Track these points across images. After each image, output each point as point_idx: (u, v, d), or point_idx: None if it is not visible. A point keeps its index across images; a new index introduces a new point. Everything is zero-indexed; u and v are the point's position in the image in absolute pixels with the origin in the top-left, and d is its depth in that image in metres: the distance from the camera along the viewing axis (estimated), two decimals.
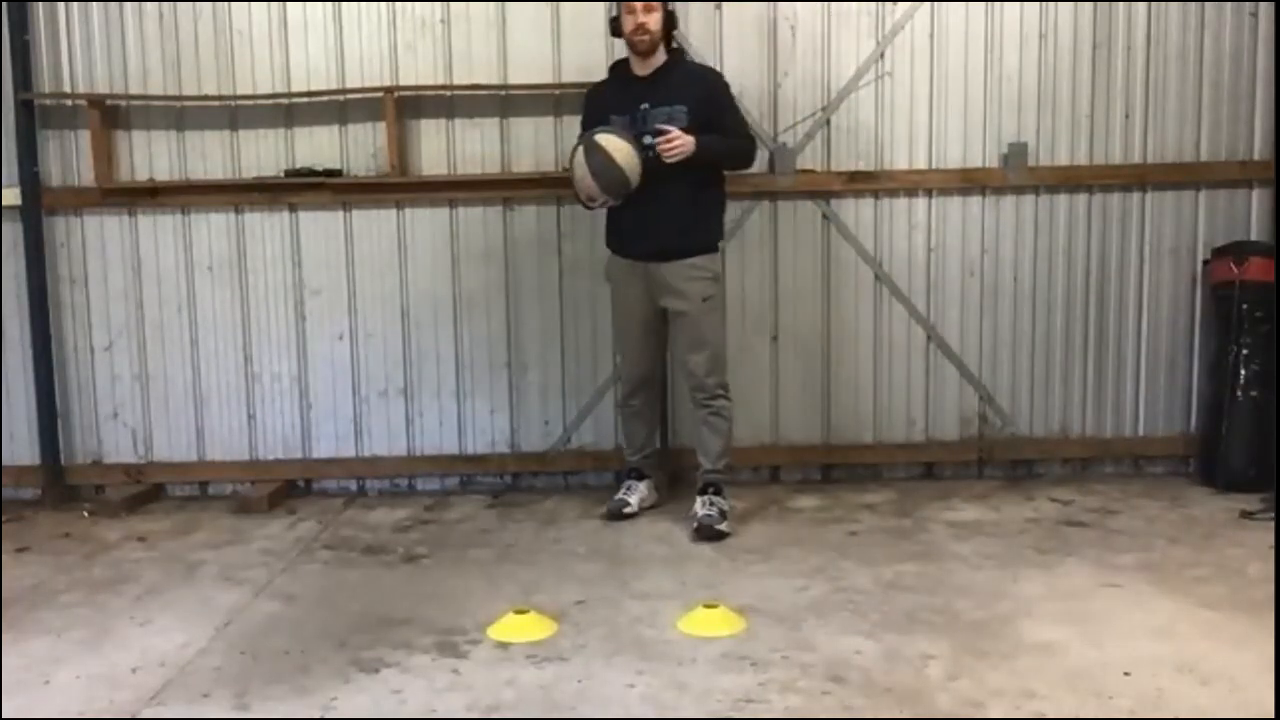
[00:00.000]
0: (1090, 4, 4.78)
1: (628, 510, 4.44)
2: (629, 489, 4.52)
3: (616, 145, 4.04)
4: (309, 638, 3.33)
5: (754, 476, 4.99)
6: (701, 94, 4.20)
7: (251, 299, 4.91)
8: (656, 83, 4.20)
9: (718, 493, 4.32)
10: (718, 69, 4.50)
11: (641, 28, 4.11)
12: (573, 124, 4.56)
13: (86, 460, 5.00)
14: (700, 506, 4.27)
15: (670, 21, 4.22)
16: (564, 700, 2.88)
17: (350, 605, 3.60)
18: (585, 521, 4.47)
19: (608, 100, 4.26)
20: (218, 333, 4.93)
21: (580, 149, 4.09)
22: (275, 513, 4.72)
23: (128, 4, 4.78)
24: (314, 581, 3.86)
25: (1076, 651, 3.10)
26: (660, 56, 4.21)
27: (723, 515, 4.25)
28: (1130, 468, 5.02)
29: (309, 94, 4.77)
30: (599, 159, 4.03)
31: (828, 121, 4.84)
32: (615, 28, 4.24)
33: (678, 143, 4.05)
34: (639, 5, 4.11)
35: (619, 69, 4.32)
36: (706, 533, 4.17)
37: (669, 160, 4.05)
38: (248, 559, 4.10)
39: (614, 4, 4.22)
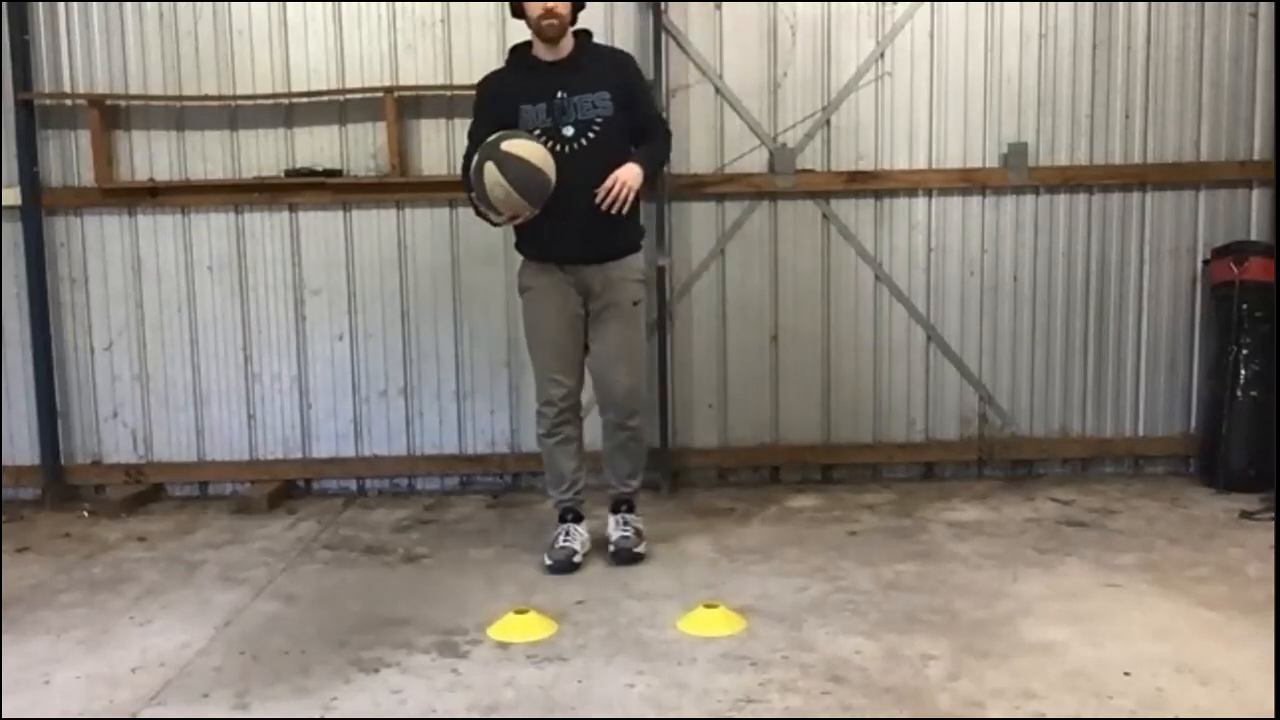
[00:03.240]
0: (1090, 4, 4.79)
1: (577, 560, 3.90)
2: (569, 535, 3.95)
3: (529, 149, 3.60)
4: (309, 638, 3.33)
5: (754, 476, 4.99)
6: (620, 79, 3.85)
7: (251, 299, 4.91)
8: (571, 69, 3.80)
9: (630, 510, 4.06)
10: (629, 52, 4.15)
11: (550, 12, 3.70)
12: None
13: (86, 460, 5.00)
14: (615, 528, 4.00)
15: (578, 4, 3.84)
16: (564, 700, 2.88)
17: (350, 605, 3.60)
18: (585, 521, 4.45)
19: (513, 89, 3.80)
20: (218, 333, 4.93)
21: (490, 164, 3.57)
22: (275, 513, 4.72)
23: (128, 4, 4.78)
24: (314, 581, 3.86)
25: (1076, 651, 3.10)
26: (569, 42, 3.83)
27: (639, 536, 4.00)
28: (1130, 468, 5.02)
29: (309, 94, 4.77)
30: (517, 168, 3.56)
31: (828, 121, 4.84)
32: (516, 10, 3.83)
33: (622, 191, 3.69)
34: None
35: (522, 55, 3.88)
36: (624, 556, 3.92)
37: (615, 211, 3.70)
38: (248, 559, 4.10)
39: None
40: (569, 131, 3.76)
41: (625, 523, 4.02)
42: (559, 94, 3.77)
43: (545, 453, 4.04)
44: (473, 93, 4.54)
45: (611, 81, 3.82)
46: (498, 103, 3.82)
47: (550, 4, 3.72)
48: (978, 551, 3.98)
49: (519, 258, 4.83)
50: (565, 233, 3.78)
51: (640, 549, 3.97)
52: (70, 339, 4.93)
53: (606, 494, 4.12)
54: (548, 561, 3.90)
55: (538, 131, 3.75)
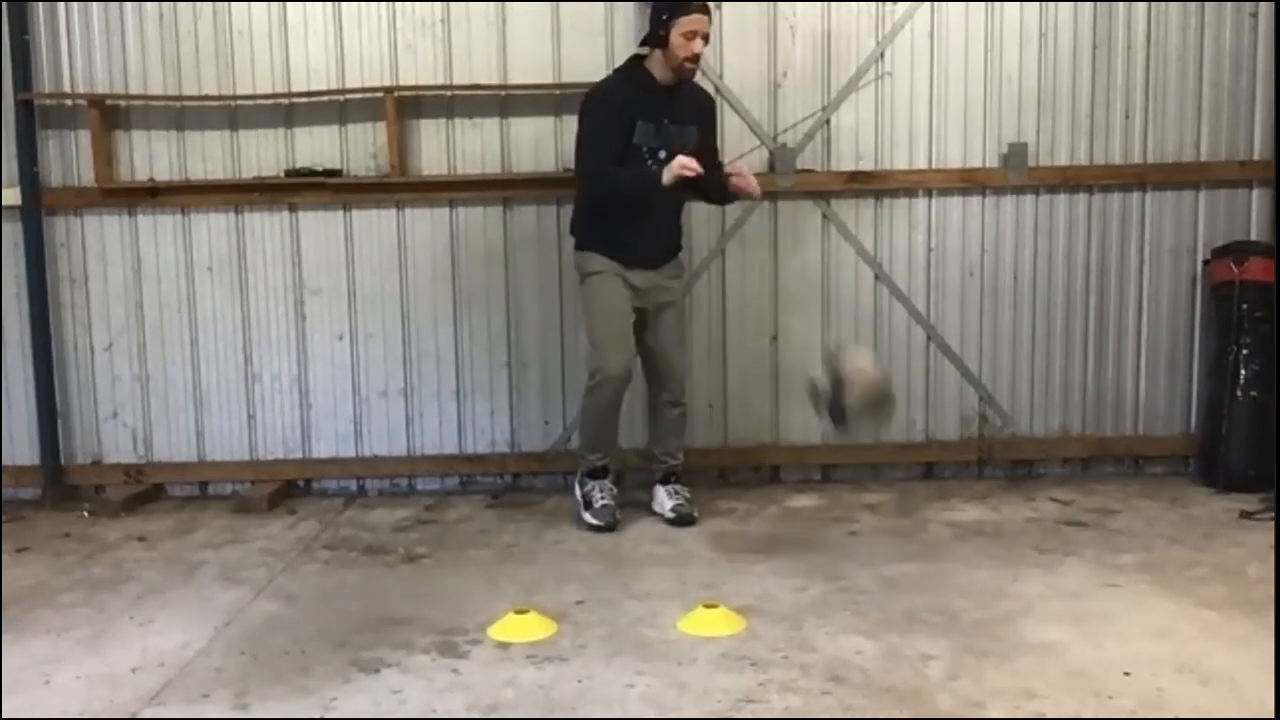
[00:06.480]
0: (1090, 4, 4.79)
1: (618, 516, 4.32)
2: (605, 490, 4.35)
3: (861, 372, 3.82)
4: (309, 638, 3.33)
5: (754, 476, 4.99)
6: (704, 116, 4.33)
7: (251, 299, 4.91)
8: (677, 99, 4.19)
9: (678, 480, 4.47)
10: (711, 94, 4.53)
11: (698, 57, 4.09)
12: (572, 123, 4.39)
13: (86, 460, 5.00)
14: (668, 497, 4.40)
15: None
16: (564, 700, 2.88)
17: (350, 605, 3.60)
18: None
19: (632, 104, 4.10)
20: (218, 333, 4.93)
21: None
22: (275, 513, 4.72)
23: (128, 4, 4.78)
24: (314, 581, 3.86)
25: (1076, 651, 3.10)
26: None
27: (689, 502, 4.41)
28: (1130, 468, 5.02)
29: (309, 94, 4.77)
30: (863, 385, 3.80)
31: (828, 121, 4.84)
32: (659, 39, 4.05)
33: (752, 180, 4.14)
34: (701, 33, 4.02)
35: (639, 75, 4.16)
36: (684, 520, 4.31)
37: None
38: (248, 559, 4.10)
39: (663, 15, 4.04)
40: (663, 155, 4.12)
41: (676, 491, 4.42)
42: (665, 119, 4.15)
43: (594, 420, 4.32)
44: (473, 92, 4.66)
45: (698, 118, 4.28)
46: (624, 112, 4.11)
47: (699, 49, 4.05)
48: (978, 551, 3.98)
49: (519, 259, 4.89)
50: (643, 239, 4.21)
51: (695, 513, 4.36)
52: (70, 339, 4.93)
53: (654, 468, 4.50)
54: (594, 521, 4.26)
55: (644, 149, 4.10)
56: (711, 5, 4.72)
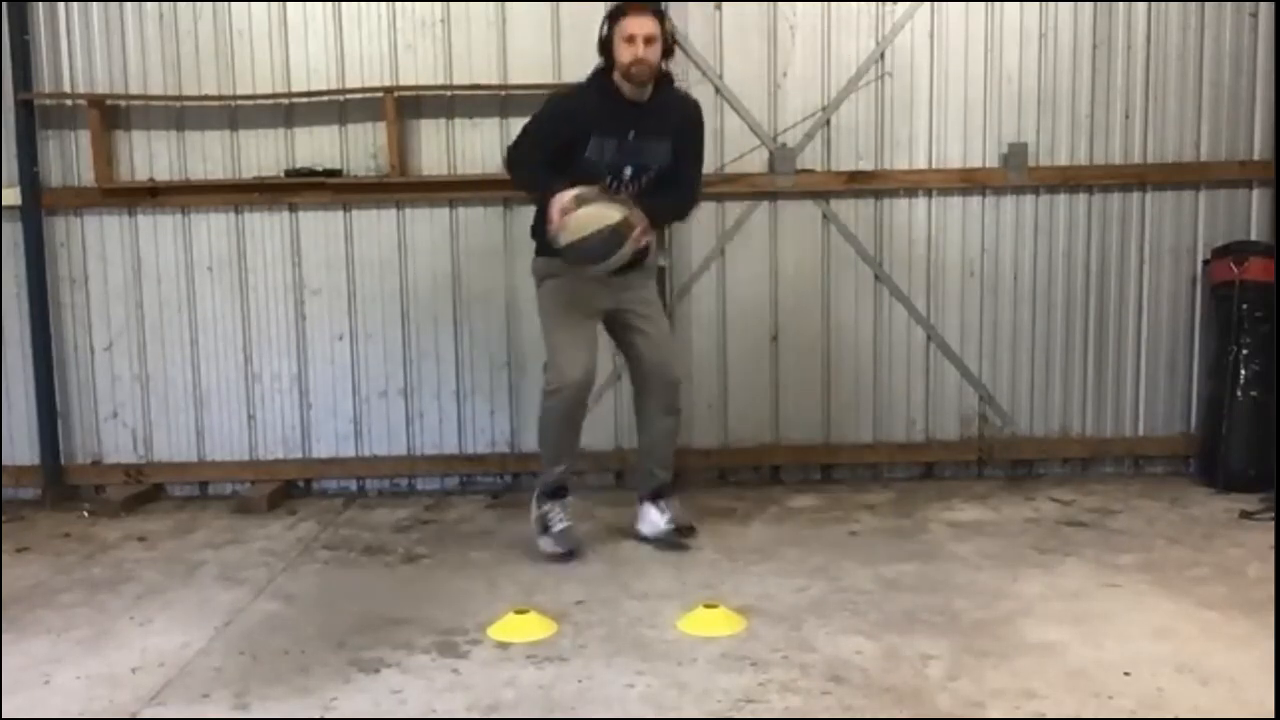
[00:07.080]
0: (1090, 4, 4.79)
1: (579, 536, 4.04)
2: (566, 507, 4.04)
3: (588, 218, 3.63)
4: (309, 638, 3.33)
5: (754, 476, 4.99)
6: (684, 128, 3.97)
7: (251, 299, 4.92)
8: (647, 111, 3.86)
9: (667, 496, 4.17)
10: (697, 100, 4.16)
11: (641, 61, 3.74)
12: None
13: (86, 460, 5.00)
14: (658, 515, 4.11)
15: (668, 49, 3.87)
16: (564, 700, 2.88)
17: (350, 605, 3.59)
18: (585, 521, 4.45)
19: (590, 116, 3.83)
20: (218, 333, 4.93)
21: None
22: (275, 513, 4.72)
23: (128, 4, 4.78)
24: (314, 581, 3.86)
25: (1076, 651, 3.10)
26: (651, 84, 3.87)
27: (691, 529, 4.15)
28: (1130, 468, 5.02)
29: (309, 94, 4.77)
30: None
31: (828, 121, 4.84)
32: (605, 48, 3.84)
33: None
34: (639, 35, 3.72)
35: (605, 86, 3.87)
36: (688, 533, 4.10)
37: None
38: (248, 559, 4.10)
39: (604, 20, 3.89)
40: (628, 172, 3.87)
41: (667, 506, 4.11)
42: (630, 134, 3.84)
43: (554, 429, 3.98)
44: (473, 92, 4.67)
45: (674, 129, 3.92)
46: (571, 124, 3.85)
47: (642, 55, 3.75)
48: (978, 551, 3.98)
49: (518, 259, 4.89)
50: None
51: (690, 534, 4.11)
52: (70, 339, 4.93)
53: (640, 483, 4.18)
54: (554, 549, 3.95)
55: (604, 166, 3.81)
56: (711, 5, 4.75)
